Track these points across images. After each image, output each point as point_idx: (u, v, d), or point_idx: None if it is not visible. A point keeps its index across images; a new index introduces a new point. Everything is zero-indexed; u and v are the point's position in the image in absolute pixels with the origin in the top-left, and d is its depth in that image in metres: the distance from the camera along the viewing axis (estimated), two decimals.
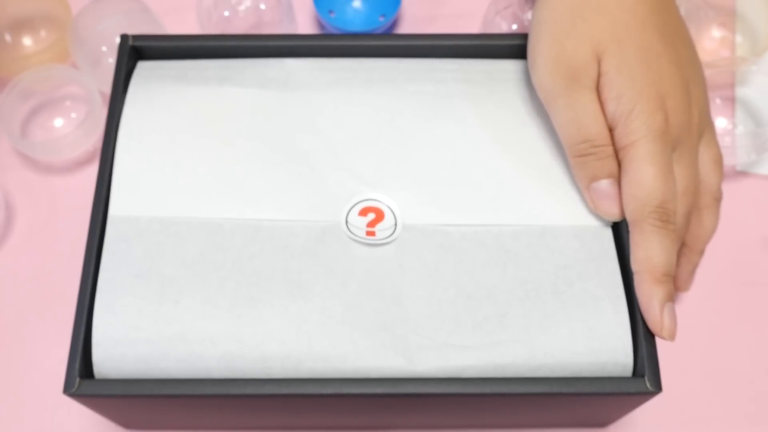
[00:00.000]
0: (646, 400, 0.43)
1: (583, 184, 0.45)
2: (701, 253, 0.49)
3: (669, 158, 0.43)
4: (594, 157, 0.44)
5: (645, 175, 0.42)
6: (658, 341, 0.42)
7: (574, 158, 0.45)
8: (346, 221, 0.45)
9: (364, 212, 0.46)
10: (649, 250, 0.42)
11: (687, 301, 0.56)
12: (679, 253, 0.47)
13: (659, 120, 0.43)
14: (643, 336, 0.42)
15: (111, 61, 0.62)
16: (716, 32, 0.65)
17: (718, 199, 0.48)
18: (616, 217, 0.44)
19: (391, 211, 0.46)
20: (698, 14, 0.64)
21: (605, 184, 0.44)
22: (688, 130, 0.44)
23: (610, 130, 0.44)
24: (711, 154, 0.47)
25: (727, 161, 0.60)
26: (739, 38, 0.65)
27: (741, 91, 0.63)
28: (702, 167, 0.47)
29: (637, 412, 0.52)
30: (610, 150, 0.44)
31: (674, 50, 0.45)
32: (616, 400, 0.43)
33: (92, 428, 0.52)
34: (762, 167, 0.61)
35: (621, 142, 0.44)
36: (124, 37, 0.50)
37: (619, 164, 0.44)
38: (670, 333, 0.42)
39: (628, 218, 0.43)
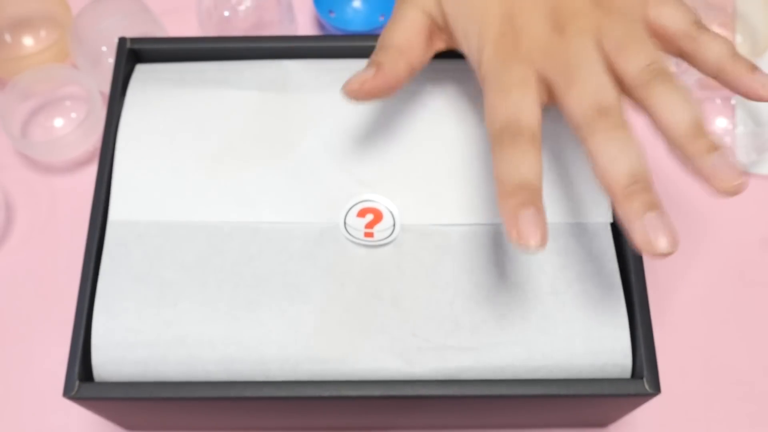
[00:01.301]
0: (645, 401, 0.43)
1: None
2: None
3: (518, 76, 0.40)
4: (377, 50, 0.43)
5: (486, 101, 0.40)
6: (657, 342, 0.42)
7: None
8: (345, 223, 0.45)
9: (362, 213, 0.46)
10: (500, 167, 0.38)
11: (687, 301, 0.56)
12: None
13: (502, 45, 0.41)
14: (641, 337, 0.42)
15: (111, 61, 0.62)
16: (716, 32, 0.65)
17: (699, 24, 0.42)
18: (352, 95, 0.42)
19: (390, 212, 0.46)
20: (698, 14, 0.64)
21: (368, 68, 0.42)
22: (562, 27, 0.41)
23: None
24: (662, 6, 0.42)
25: None
26: (739, 38, 0.65)
27: None
28: (659, 19, 0.41)
29: (636, 413, 0.52)
30: (392, 51, 0.43)
31: None
32: (615, 401, 0.43)
33: (93, 429, 0.52)
34: (762, 167, 0.61)
35: (479, 80, 0.42)
36: (122, 40, 0.50)
37: None
38: (529, 238, 0.36)
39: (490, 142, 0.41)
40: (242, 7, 0.64)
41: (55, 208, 0.60)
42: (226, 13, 0.64)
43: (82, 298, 0.43)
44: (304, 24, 0.68)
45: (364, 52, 0.51)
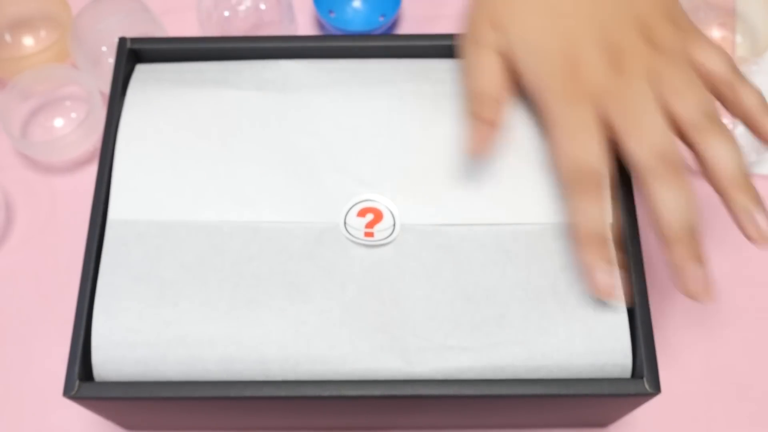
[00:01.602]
0: (645, 401, 0.43)
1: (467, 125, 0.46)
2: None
3: (584, 118, 0.42)
4: (478, 102, 0.45)
5: (557, 143, 0.43)
6: (657, 341, 0.42)
7: (468, 103, 0.46)
8: (345, 222, 0.45)
9: (362, 213, 0.46)
10: (575, 216, 0.42)
11: (687, 301, 0.56)
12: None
13: (564, 83, 0.43)
14: (642, 337, 0.42)
15: (111, 61, 0.62)
16: (716, 32, 0.65)
17: (737, 72, 0.44)
18: (479, 154, 0.44)
19: (390, 211, 0.46)
20: (698, 14, 0.64)
21: (478, 125, 0.44)
22: (622, 68, 0.43)
23: None
24: (707, 51, 0.44)
25: None
26: (739, 38, 0.65)
27: None
28: (705, 64, 0.44)
29: (637, 412, 0.52)
30: (494, 103, 0.45)
31: (590, 1, 0.45)
32: (615, 401, 0.43)
33: (93, 429, 0.52)
34: (762, 167, 0.61)
35: (540, 116, 0.45)
36: (122, 40, 0.50)
37: None
38: (604, 290, 0.42)
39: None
40: (242, 7, 0.64)
41: (55, 208, 0.60)
42: (226, 13, 0.64)
43: (82, 298, 0.43)
44: (304, 24, 0.68)
45: (364, 53, 0.51)
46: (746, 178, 0.41)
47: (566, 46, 0.44)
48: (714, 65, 0.44)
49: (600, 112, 0.43)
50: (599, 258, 0.41)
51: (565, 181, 0.43)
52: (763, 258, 0.58)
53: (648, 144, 0.41)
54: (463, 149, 0.45)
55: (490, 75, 0.45)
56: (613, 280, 0.41)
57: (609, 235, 0.42)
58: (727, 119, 0.62)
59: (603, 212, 0.42)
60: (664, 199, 0.40)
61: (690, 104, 0.42)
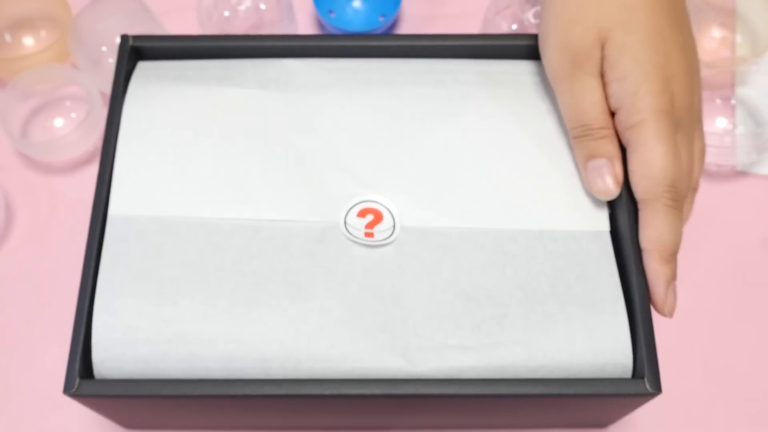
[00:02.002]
0: (646, 401, 0.43)
1: (580, 164, 0.46)
2: None
3: (675, 139, 0.43)
4: (589, 138, 0.45)
5: (655, 154, 0.43)
6: (658, 341, 0.42)
7: (573, 140, 0.46)
8: (345, 222, 0.45)
9: (362, 213, 0.46)
10: (661, 230, 0.43)
11: (687, 301, 0.56)
12: None
13: (665, 101, 0.43)
14: (642, 337, 0.42)
15: (111, 61, 0.62)
16: (716, 32, 0.65)
17: (695, 189, 0.48)
18: (608, 195, 0.45)
19: (390, 212, 0.46)
20: (698, 14, 0.64)
21: (600, 163, 0.45)
22: (689, 115, 0.45)
23: (614, 112, 0.45)
24: (699, 146, 0.47)
25: (727, 161, 0.60)
26: (739, 38, 0.65)
27: (741, 91, 0.63)
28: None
29: (637, 413, 0.52)
30: (606, 132, 0.45)
31: (681, 35, 0.45)
32: (616, 401, 0.43)
33: (93, 428, 0.52)
34: (762, 167, 0.61)
35: (627, 122, 0.44)
36: (124, 38, 0.50)
37: (626, 146, 0.45)
38: (671, 310, 0.43)
39: (639, 198, 0.44)
40: (242, 7, 0.64)
41: (55, 208, 0.60)
42: (226, 13, 0.64)
43: (83, 296, 0.43)
44: (304, 24, 0.68)
45: (365, 52, 0.51)
46: (676, 255, 0.44)
47: (667, 67, 0.44)
48: (695, 165, 0.46)
49: None
50: (674, 276, 0.43)
51: (656, 194, 0.43)
52: (763, 258, 0.58)
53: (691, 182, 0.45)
54: (593, 192, 0.45)
55: (600, 103, 0.45)
56: (676, 298, 0.44)
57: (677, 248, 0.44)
58: (726, 119, 0.62)
59: (681, 233, 0.44)
60: (666, 226, 0.43)
61: (695, 173, 0.47)
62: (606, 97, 0.45)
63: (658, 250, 0.43)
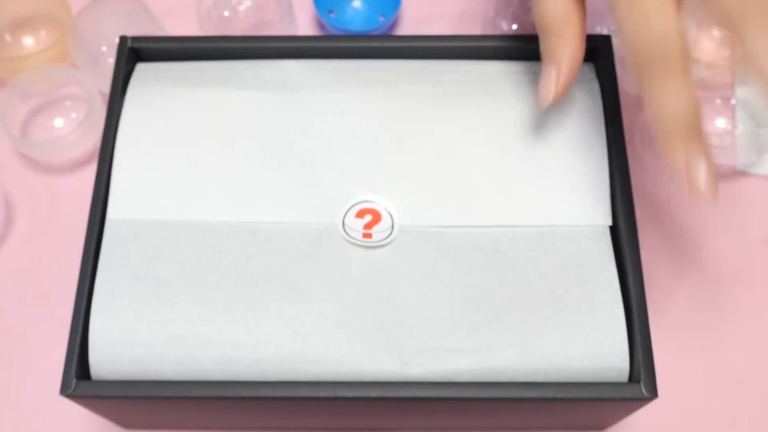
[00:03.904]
0: (643, 405, 0.43)
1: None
2: None
3: None
4: (544, 37, 0.42)
5: (624, 24, 0.38)
6: (657, 342, 0.42)
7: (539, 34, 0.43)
8: (343, 223, 0.45)
9: (360, 214, 0.46)
10: (657, 106, 0.37)
11: (687, 302, 0.56)
12: None
13: None
14: (639, 341, 0.42)
15: (111, 61, 0.62)
16: (716, 32, 0.65)
17: None
18: (546, 104, 0.42)
19: (389, 213, 0.46)
20: (698, 14, 0.64)
21: (549, 71, 0.42)
22: None
23: None
24: None
25: (727, 161, 0.60)
26: None
27: (741, 91, 0.63)
28: None
29: (636, 415, 0.52)
30: (561, 33, 0.41)
31: None
32: (612, 405, 0.43)
33: (92, 428, 0.53)
34: (762, 167, 0.61)
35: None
36: (123, 39, 0.50)
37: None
38: (706, 191, 0.36)
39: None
40: (242, 7, 0.64)
41: (55, 208, 0.60)
42: (226, 13, 0.64)
43: (80, 297, 0.43)
44: (304, 24, 0.68)
45: (364, 53, 0.51)
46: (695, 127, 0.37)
47: None
48: None
49: None
50: (698, 151, 0.36)
51: (642, 63, 0.37)
52: (763, 258, 0.58)
53: (645, 32, 0.37)
54: (540, 106, 0.42)
55: (555, 2, 0.41)
56: (715, 177, 0.36)
57: (699, 119, 0.37)
58: (726, 119, 0.62)
59: (693, 93, 0.37)
60: (665, 94, 0.37)
61: None
62: None
63: (662, 134, 0.37)
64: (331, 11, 0.66)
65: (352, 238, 0.45)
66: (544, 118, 0.48)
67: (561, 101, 0.46)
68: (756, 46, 0.35)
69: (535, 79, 0.50)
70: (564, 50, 0.41)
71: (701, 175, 0.36)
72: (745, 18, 0.35)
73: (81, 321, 0.43)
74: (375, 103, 0.48)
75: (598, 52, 0.50)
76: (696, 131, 0.37)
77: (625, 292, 0.44)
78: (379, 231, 0.45)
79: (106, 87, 0.55)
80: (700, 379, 0.54)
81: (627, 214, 0.45)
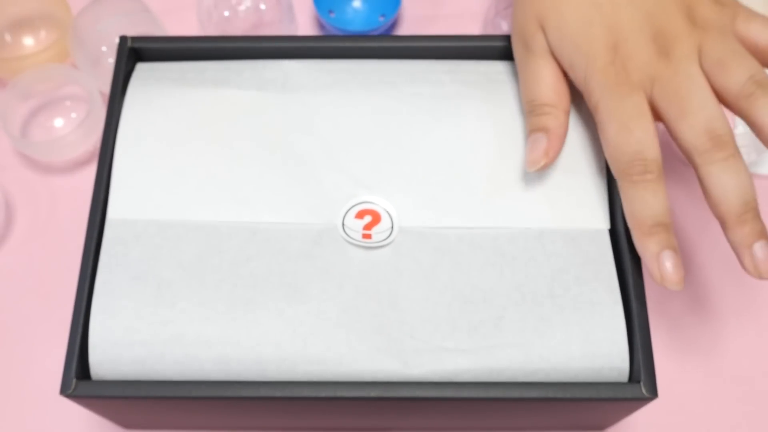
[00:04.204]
0: (643, 405, 0.43)
1: (526, 135, 0.46)
2: None
3: (634, 108, 0.42)
4: (533, 114, 0.45)
5: (608, 134, 0.42)
6: (657, 342, 0.42)
7: (525, 117, 0.46)
8: (343, 224, 0.45)
9: (360, 215, 0.46)
10: (633, 206, 0.42)
11: (687, 301, 0.56)
12: None
13: (612, 73, 0.43)
14: (639, 341, 0.42)
15: (111, 61, 0.62)
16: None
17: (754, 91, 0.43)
18: (534, 165, 0.44)
19: (388, 213, 0.46)
20: None
21: (536, 137, 0.44)
22: (667, 51, 0.43)
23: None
24: (751, 22, 0.44)
25: None
26: None
27: None
28: (749, 35, 0.44)
29: (635, 415, 0.52)
30: (549, 109, 0.45)
31: None
32: (612, 405, 0.43)
33: (91, 428, 0.53)
34: (762, 167, 0.61)
35: (590, 108, 0.44)
36: (123, 39, 0.50)
37: None
38: (673, 281, 0.40)
39: (615, 177, 0.43)
40: (242, 7, 0.64)
41: (55, 208, 0.60)
42: (226, 13, 0.64)
43: (80, 297, 0.43)
44: (304, 24, 0.68)
45: (364, 53, 0.51)
46: (660, 225, 0.41)
47: (608, 35, 0.43)
48: (759, 34, 0.43)
49: (649, 100, 0.42)
50: (666, 246, 0.41)
51: (622, 172, 0.42)
52: None
53: (700, 125, 0.41)
54: (526, 165, 0.45)
55: (546, 81, 0.45)
56: (681, 268, 0.40)
57: (671, 221, 0.41)
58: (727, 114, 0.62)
59: (664, 199, 0.41)
60: (723, 181, 0.40)
61: (738, 73, 0.41)
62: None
63: (636, 227, 0.42)
64: (331, 11, 0.66)
65: (352, 238, 0.45)
66: None
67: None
68: (714, 188, 0.40)
69: None
70: (553, 121, 0.44)
71: (668, 263, 0.40)
72: (702, 159, 0.41)
73: (81, 321, 0.43)
74: (375, 104, 0.48)
75: None
76: (666, 228, 0.41)
77: (624, 292, 0.44)
78: (378, 232, 0.45)
79: (106, 87, 0.55)
80: (700, 379, 0.54)
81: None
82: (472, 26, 0.67)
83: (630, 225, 0.42)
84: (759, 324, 0.56)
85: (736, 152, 0.41)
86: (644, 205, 0.41)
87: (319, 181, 0.46)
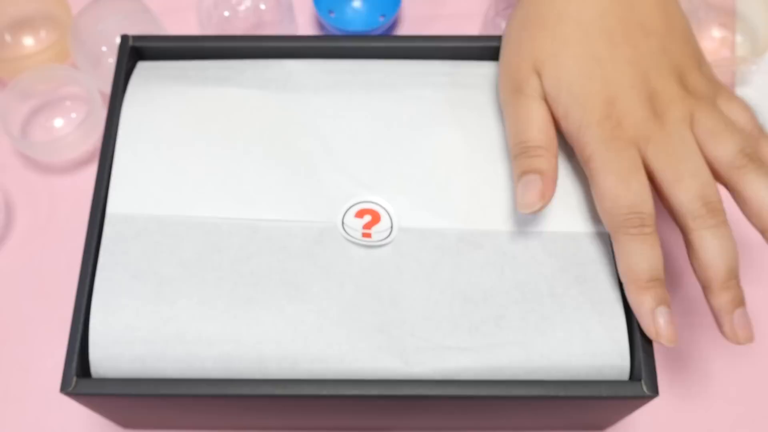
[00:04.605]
0: (643, 404, 0.43)
1: (515, 181, 0.45)
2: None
3: (630, 162, 0.42)
4: (525, 155, 0.44)
5: (604, 187, 0.42)
6: (656, 345, 0.42)
7: (512, 159, 0.45)
8: (343, 223, 0.45)
9: (360, 214, 0.46)
10: (629, 259, 0.42)
11: (686, 301, 0.56)
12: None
13: (608, 128, 0.43)
14: (639, 340, 0.42)
15: (111, 61, 0.62)
16: (716, 32, 0.65)
17: (761, 129, 0.46)
18: (531, 208, 0.43)
19: (387, 213, 0.46)
20: (698, 14, 0.64)
21: (530, 178, 0.44)
22: (662, 117, 0.43)
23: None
24: (733, 104, 0.46)
25: None
26: (739, 38, 0.65)
27: (741, 91, 0.63)
28: (731, 116, 0.45)
29: (636, 414, 0.52)
30: (541, 152, 0.44)
31: (628, 47, 0.45)
32: (613, 403, 0.43)
33: (91, 427, 0.52)
34: None
35: (581, 158, 0.44)
36: (124, 38, 0.50)
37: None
38: (668, 338, 0.41)
39: (608, 231, 0.43)
40: (242, 7, 0.64)
41: (55, 208, 0.60)
42: (226, 13, 0.64)
43: (81, 294, 0.43)
44: (304, 24, 0.68)
45: (364, 53, 0.51)
46: (656, 280, 0.42)
47: (606, 90, 0.44)
48: (738, 116, 0.45)
49: (642, 158, 0.43)
50: (661, 302, 0.41)
51: (618, 225, 0.42)
52: (763, 258, 0.58)
53: (695, 191, 0.42)
54: (518, 206, 0.44)
55: (540, 127, 0.45)
56: (674, 324, 0.41)
57: (664, 277, 0.42)
58: None
59: (659, 254, 0.42)
60: (713, 246, 0.41)
61: (727, 144, 0.42)
62: (556, 126, 0.45)
63: (632, 281, 0.42)
64: (331, 11, 0.66)
65: (352, 237, 0.45)
66: None
67: None
68: (703, 252, 0.42)
69: None
70: (546, 164, 0.44)
71: (662, 320, 0.41)
72: (695, 223, 0.42)
73: (81, 319, 0.42)
74: (375, 105, 0.48)
75: None
76: (661, 283, 0.42)
77: (624, 291, 0.44)
78: (378, 231, 0.45)
79: (106, 87, 0.55)
80: (700, 379, 0.54)
81: None
82: (471, 26, 0.67)
83: (625, 279, 0.42)
84: (759, 324, 0.56)
85: (726, 220, 0.42)
86: (641, 258, 0.41)
87: (319, 180, 0.46)
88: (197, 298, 0.43)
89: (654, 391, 0.41)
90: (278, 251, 0.45)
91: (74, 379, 0.41)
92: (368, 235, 0.45)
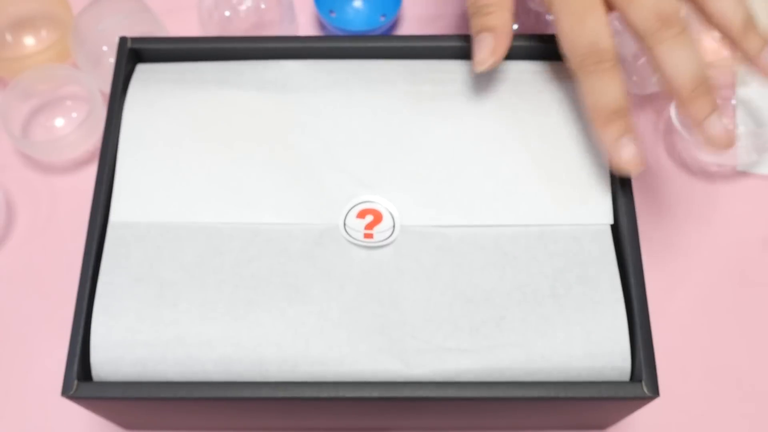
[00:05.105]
0: (644, 404, 0.43)
1: (472, 37, 0.46)
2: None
3: (586, 1, 0.43)
4: (477, 14, 0.45)
5: (562, 29, 0.44)
6: (657, 342, 0.42)
7: (469, 17, 0.46)
8: (344, 224, 0.45)
9: (362, 214, 0.46)
10: (591, 96, 0.43)
11: (687, 302, 0.56)
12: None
13: None
14: (640, 340, 0.42)
15: (112, 60, 0.62)
16: (716, 32, 0.65)
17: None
18: (485, 65, 0.44)
19: (390, 213, 0.46)
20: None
21: (482, 36, 0.45)
22: None
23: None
24: None
25: (728, 161, 0.60)
26: None
27: (741, 91, 0.63)
28: None
29: (636, 414, 0.52)
30: (492, 8, 0.45)
31: None
32: (614, 404, 0.43)
33: (92, 429, 0.53)
34: (762, 167, 0.61)
35: (544, 5, 0.45)
36: (123, 40, 0.50)
37: None
38: (630, 163, 0.42)
39: (572, 71, 0.44)
40: (243, 7, 0.64)
41: (56, 208, 0.60)
42: (227, 13, 0.64)
43: (81, 298, 0.43)
44: (304, 24, 0.68)
45: (364, 53, 0.51)
46: (619, 112, 0.42)
47: None
48: None
49: None
50: (624, 131, 0.42)
51: (578, 64, 0.43)
52: (763, 258, 0.58)
53: (648, 7, 0.42)
54: (473, 65, 0.45)
55: None
56: (639, 151, 0.42)
57: (628, 106, 0.42)
58: (726, 119, 0.62)
59: (621, 86, 0.42)
60: (673, 59, 0.42)
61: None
62: None
63: (595, 117, 0.43)
64: (331, 11, 0.66)
65: (354, 238, 0.45)
66: (545, 117, 0.48)
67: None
68: (665, 66, 0.42)
69: (534, 78, 0.50)
70: (498, 19, 0.45)
71: (626, 148, 0.42)
72: (652, 39, 0.42)
73: (82, 322, 0.43)
74: (375, 104, 0.48)
75: None
76: (623, 114, 0.42)
77: (626, 291, 0.44)
78: (380, 231, 0.45)
79: (106, 87, 0.55)
80: (700, 379, 0.54)
81: (628, 212, 0.45)
82: None
83: (589, 117, 0.43)
84: (759, 324, 0.56)
85: (686, 29, 0.42)
86: (602, 93, 0.42)
87: (320, 182, 0.46)
88: (198, 302, 0.43)
89: (655, 392, 0.41)
90: (279, 254, 0.45)
91: (75, 382, 0.41)
92: (370, 236, 0.45)
